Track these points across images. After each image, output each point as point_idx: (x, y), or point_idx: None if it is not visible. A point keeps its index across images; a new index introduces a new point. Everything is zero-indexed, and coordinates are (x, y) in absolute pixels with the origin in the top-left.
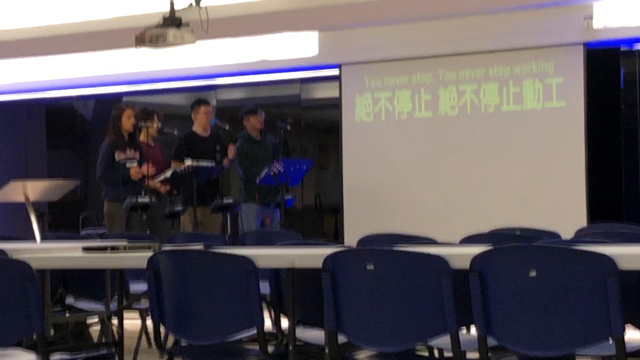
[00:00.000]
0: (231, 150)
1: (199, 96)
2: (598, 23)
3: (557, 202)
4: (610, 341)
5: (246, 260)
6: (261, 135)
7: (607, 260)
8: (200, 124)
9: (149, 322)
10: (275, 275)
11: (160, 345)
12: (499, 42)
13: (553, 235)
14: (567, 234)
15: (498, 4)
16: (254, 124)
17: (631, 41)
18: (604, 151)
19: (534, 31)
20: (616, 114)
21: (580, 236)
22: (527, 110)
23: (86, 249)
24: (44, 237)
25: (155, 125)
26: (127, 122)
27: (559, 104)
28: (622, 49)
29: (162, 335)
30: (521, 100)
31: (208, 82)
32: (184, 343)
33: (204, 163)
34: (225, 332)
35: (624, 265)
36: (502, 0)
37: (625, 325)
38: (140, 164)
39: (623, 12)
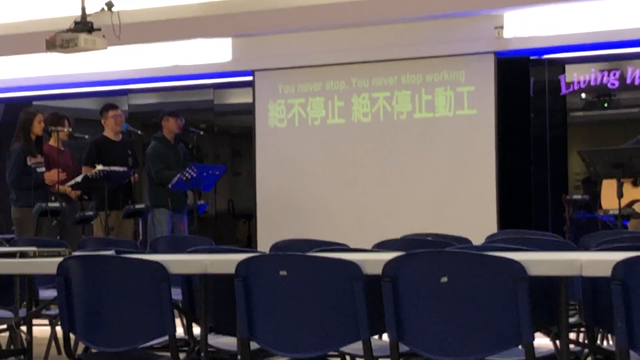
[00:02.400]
0: None
1: (111, 101)
2: (508, 33)
3: (468, 209)
4: (520, 347)
5: (158, 266)
6: (174, 140)
7: (517, 266)
8: (111, 128)
9: (59, 329)
10: (188, 281)
11: (70, 353)
12: (411, 51)
13: (464, 241)
14: (477, 240)
15: (411, 13)
16: (172, 126)
17: (540, 51)
18: (514, 158)
19: (445, 40)
20: (526, 122)
21: (491, 242)
22: (438, 118)
23: None
24: None
25: (65, 130)
26: (38, 126)
27: (470, 111)
28: (531, 58)
29: (72, 342)
30: (433, 108)
31: (120, 87)
32: (94, 350)
33: (115, 168)
34: (136, 339)
35: (533, 271)
36: (415, 9)
37: (535, 332)
38: (47, 169)
39: (533, 23)
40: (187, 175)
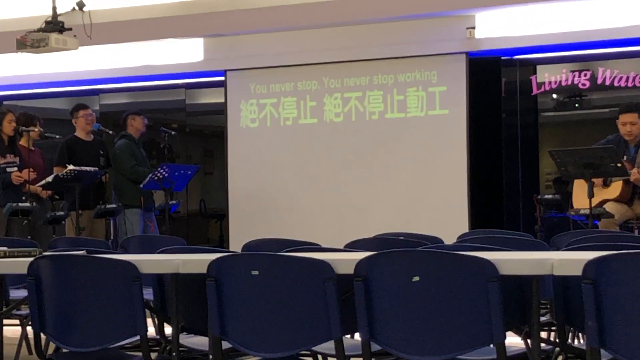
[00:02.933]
0: None
1: (82, 101)
2: (480, 33)
3: (440, 208)
4: (492, 346)
5: (129, 266)
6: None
7: (488, 265)
8: (82, 128)
9: (30, 329)
10: (159, 281)
11: (41, 353)
12: (383, 51)
13: (436, 241)
14: (449, 239)
15: (383, 14)
16: (139, 125)
17: (512, 51)
18: (486, 158)
19: (417, 40)
20: (497, 122)
21: (462, 242)
22: (410, 118)
23: None
24: None
25: (36, 129)
26: (8, 126)
27: (441, 112)
28: (503, 59)
29: (43, 342)
30: (405, 108)
31: (91, 87)
32: (65, 350)
33: (86, 168)
34: (107, 339)
35: (505, 270)
36: (387, 10)
37: (507, 331)
38: (20, 169)
39: (504, 23)
40: (158, 175)
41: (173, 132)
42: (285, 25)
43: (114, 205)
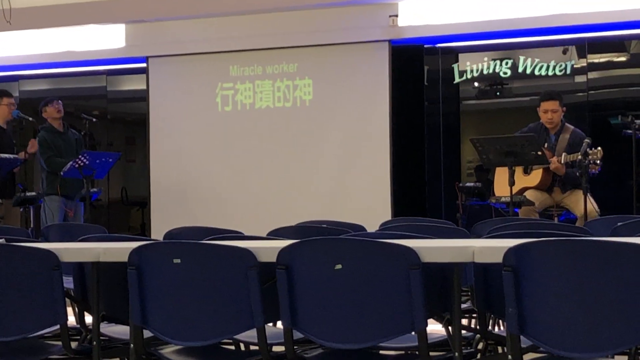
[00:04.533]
0: (33, 145)
1: (1, 87)
2: (403, 21)
3: (363, 196)
4: (414, 333)
5: (49, 255)
6: (64, 127)
7: (410, 253)
8: (2, 116)
9: None
10: (80, 269)
11: None
12: (306, 38)
13: (358, 229)
14: (372, 227)
15: (307, 1)
16: (52, 113)
17: (434, 39)
18: (408, 147)
19: (341, 28)
20: (420, 111)
21: (385, 229)
22: (334, 105)
23: None
24: None
25: None
26: None
27: (365, 99)
28: (425, 47)
29: None
30: (328, 96)
31: (11, 73)
32: None
33: (4, 155)
34: (26, 328)
35: (426, 258)
36: None
37: (428, 318)
38: None
39: (427, 12)
40: (79, 162)
41: (94, 119)
42: (208, 12)
43: (33, 193)
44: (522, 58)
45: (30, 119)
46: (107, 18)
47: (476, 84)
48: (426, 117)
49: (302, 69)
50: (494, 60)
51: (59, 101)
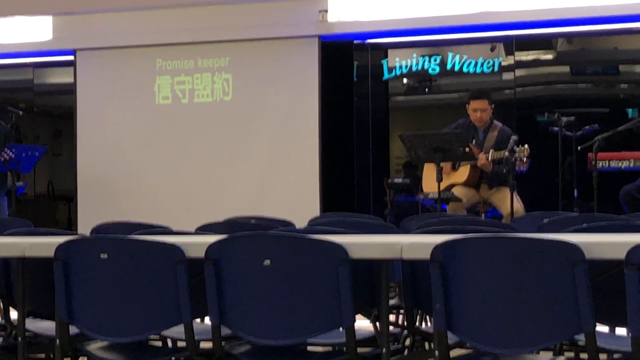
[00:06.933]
0: None
1: None
2: (332, 17)
3: (292, 192)
4: (341, 329)
5: None
6: None
7: (339, 249)
8: None
9: None
10: (5, 264)
11: None
12: (236, 33)
13: (287, 224)
14: (301, 223)
15: None
16: None
17: (364, 35)
18: (338, 142)
19: (269, 23)
20: (349, 106)
21: (314, 225)
22: (263, 100)
23: None
24: None
25: None
26: None
27: (294, 94)
28: (355, 43)
29: None
30: (256, 91)
31: None
32: None
33: None
34: None
35: (355, 254)
36: None
37: (356, 314)
38: None
39: (356, 7)
40: (5, 156)
41: (20, 112)
42: (137, 5)
43: None
44: (450, 55)
45: None
46: (34, 10)
47: (405, 80)
48: (355, 112)
49: (232, 63)
50: (423, 56)
51: None
